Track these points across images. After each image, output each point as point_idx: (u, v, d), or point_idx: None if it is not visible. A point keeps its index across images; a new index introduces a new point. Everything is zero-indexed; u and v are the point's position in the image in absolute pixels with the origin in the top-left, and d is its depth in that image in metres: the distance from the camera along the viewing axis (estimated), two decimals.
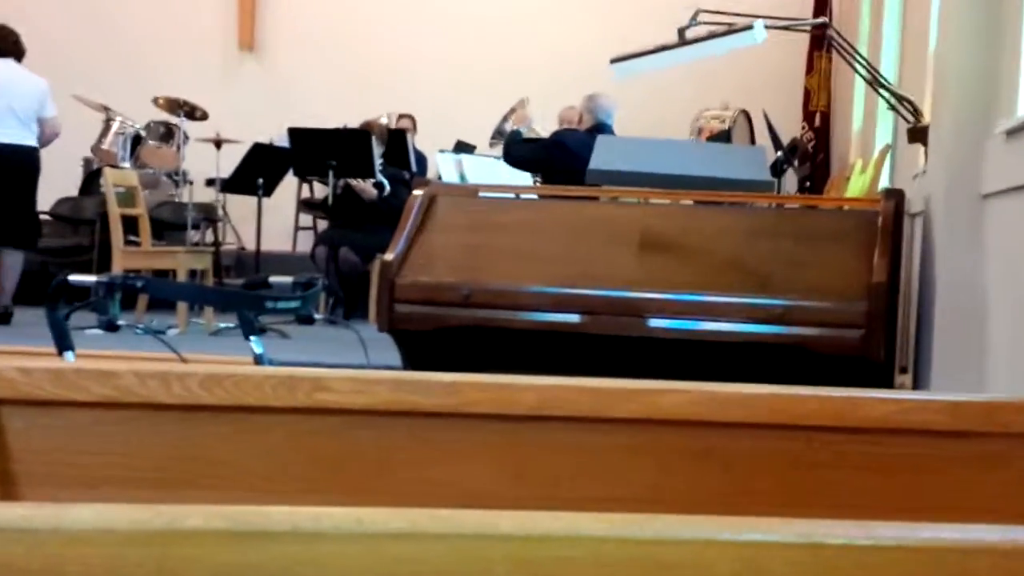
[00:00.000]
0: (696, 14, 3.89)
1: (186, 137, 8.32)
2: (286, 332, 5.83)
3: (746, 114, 8.27)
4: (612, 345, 3.33)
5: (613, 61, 3.93)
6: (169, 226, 7.95)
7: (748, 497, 1.19)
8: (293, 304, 2.60)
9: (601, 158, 3.89)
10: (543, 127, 7.32)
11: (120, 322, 2.36)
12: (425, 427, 1.27)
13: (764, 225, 3.44)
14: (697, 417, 1.26)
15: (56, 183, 7.50)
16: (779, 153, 7.00)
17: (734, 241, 3.39)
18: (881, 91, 4.32)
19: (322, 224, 8.76)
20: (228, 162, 8.04)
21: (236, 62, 10.02)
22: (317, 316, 2.89)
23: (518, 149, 6.37)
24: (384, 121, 7.90)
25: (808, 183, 8.41)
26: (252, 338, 2.50)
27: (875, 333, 3.08)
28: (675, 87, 8.95)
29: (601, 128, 6.12)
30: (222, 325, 6.00)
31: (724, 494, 1.21)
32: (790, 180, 8.12)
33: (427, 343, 3.44)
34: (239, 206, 8.70)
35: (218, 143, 8.76)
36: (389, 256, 3.40)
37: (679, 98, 8.92)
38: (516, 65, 9.59)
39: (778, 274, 3.26)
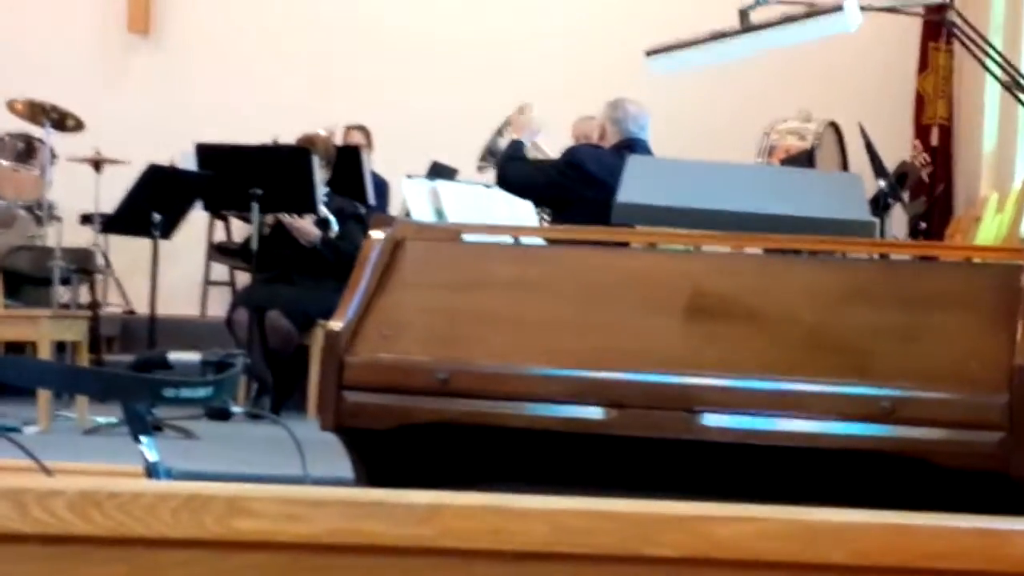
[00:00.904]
0: None
1: (54, 155, 8.35)
2: (192, 431, 5.77)
3: (835, 128, 8.31)
4: (650, 451, 3.29)
5: (649, 54, 3.96)
6: (28, 280, 7.95)
7: None
8: (201, 392, 2.59)
9: (633, 187, 3.88)
10: (552, 146, 7.34)
11: None
12: (390, 568, 1.26)
13: (862, 284, 3.39)
14: (771, 555, 1.24)
15: None
16: (882, 183, 7.03)
17: (820, 306, 3.33)
18: (1023, 97, 4.34)
19: (243, 278, 8.73)
20: (112, 191, 8.01)
21: (124, 51, 10.07)
22: (235, 409, 2.89)
23: (518, 168, 6.38)
24: (327, 134, 7.93)
25: (923, 224, 8.44)
26: (144, 440, 2.48)
27: (1021, 438, 3.06)
28: (735, 90, 9.00)
29: (632, 145, 6.15)
30: (101, 421, 5.94)
31: None
32: (898, 220, 8.15)
33: (390, 447, 3.39)
34: (127, 253, 8.69)
35: (98, 164, 8.78)
36: (337, 324, 3.34)
37: (741, 106, 8.97)
38: (513, 60, 9.65)
39: (883, 353, 3.24)
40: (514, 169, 6.41)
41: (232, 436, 5.83)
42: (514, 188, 6.38)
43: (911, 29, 8.87)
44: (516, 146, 6.66)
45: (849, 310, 3.34)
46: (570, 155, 6.39)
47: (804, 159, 7.59)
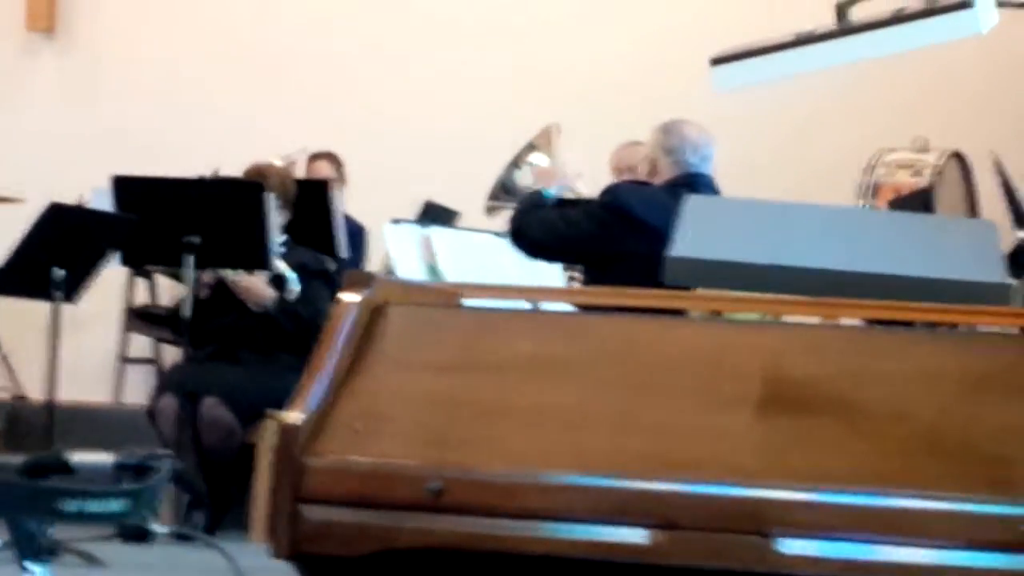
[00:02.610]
0: None
1: None
2: (99, 557, 5.84)
3: (960, 160, 8.32)
4: None
5: (716, 62, 4.00)
6: None
7: None
8: (113, 505, 2.65)
9: (692, 237, 3.89)
10: (585, 181, 7.34)
11: None
12: None
13: (996, 367, 3.41)
14: None
15: None
16: (1023, 233, 7.01)
17: (940, 396, 3.35)
18: None
19: (171, 355, 8.77)
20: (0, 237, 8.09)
21: (21, 54, 10.15)
22: (157, 528, 2.90)
23: (538, 220, 6.37)
24: (284, 165, 7.96)
25: None
26: (35, 568, 2.58)
27: None
28: (828, 111, 9.04)
29: (691, 182, 6.18)
30: None
31: None
32: None
33: None
34: (17, 320, 8.74)
35: None
36: (295, 416, 3.39)
37: (835, 131, 9.00)
38: (535, 65, 9.69)
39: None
40: (535, 222, 6.37)
41: (153, 564, 5.84)
42: (536, 249, 6.37)
43: None
44: (536, 197, 6.62)
45: (979, 402, 3.35)
46: (610, 196, 6.32)
47: (919, 201, 7.59)
